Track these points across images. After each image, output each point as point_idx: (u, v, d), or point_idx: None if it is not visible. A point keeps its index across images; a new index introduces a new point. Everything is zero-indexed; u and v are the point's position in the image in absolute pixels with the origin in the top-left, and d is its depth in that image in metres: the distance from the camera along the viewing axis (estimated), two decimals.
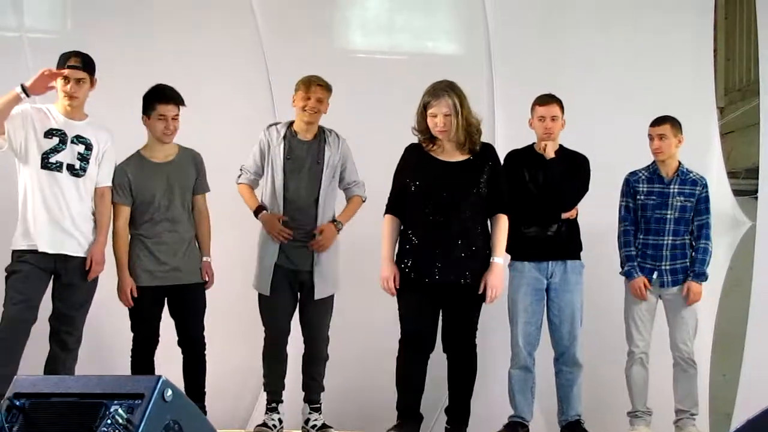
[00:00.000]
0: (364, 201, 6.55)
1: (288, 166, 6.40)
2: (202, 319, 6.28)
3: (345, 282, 6.54)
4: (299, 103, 6.46)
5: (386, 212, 5.87)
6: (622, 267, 6.81)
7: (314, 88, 6.44)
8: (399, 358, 5.73)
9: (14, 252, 5.93)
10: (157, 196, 6.22)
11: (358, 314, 6.63)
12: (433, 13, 7.95)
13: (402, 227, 5.80)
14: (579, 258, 6.66)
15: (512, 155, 6.71)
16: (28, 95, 5.81)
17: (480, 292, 5.70)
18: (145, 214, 6.23)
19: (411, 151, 5.87)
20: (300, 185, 6.41)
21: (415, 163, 5.79)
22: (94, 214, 6.07)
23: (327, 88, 6.48)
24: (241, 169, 6.50)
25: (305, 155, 6.44)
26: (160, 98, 6.22)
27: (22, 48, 6.97)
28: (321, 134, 6.50)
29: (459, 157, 5.77)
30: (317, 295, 6.36)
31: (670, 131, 6.72)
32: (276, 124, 6.55)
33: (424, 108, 5.74)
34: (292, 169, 6.41)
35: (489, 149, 5.88)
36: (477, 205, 5.72)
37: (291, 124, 6.53)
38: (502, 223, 5.84)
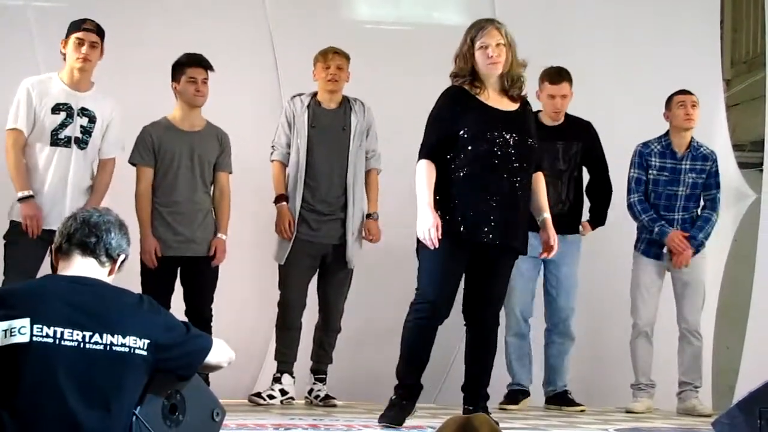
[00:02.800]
0: (379, 173, 6.57)
1: (313, 134, 6.40)
2: (212, 292, 6.29)
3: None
4: (320, 74, 6.50)
5: (423, 157, 5.08)
6: (638, 239, 6.78)
7: (332, 56, 6.49)
8: (412, 325, 5.06)
9: (12, 222, 5.91)
10: (177, 162, 6.23)
11: (366, 287, 6.63)
12: None
13: (449, 182, 5.05)
14: (578, 231, 6.68)
15: None
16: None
17: (543, 251, 5.19)
18: (165, 179, 6.23)
19: (455, 95, 5.11)
20: (326, 154, 6.41)
21: (464, 108, 5.06)
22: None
23: (345, 56, 6.53)
24: (272, 146, 6.51)
25: (330, 123, 6.47)
26: (190, 62, 6.26)
27: (27, 17, 6.94)
28: (346, 102, 6.55)
29: (508, 105, 5.11)
30: (351, 264, 6.43)
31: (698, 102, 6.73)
32: (300, 94, 6.56)
33: (471, 43, 5.05)
34: (318, 137, 6.42)
35: (528, 102, 5.26)
36: (531, 159, 5.12)
37: (314, 95, 6.55)
38: (542, 180, 5.28)
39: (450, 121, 5.08)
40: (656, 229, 6.66)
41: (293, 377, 6.47)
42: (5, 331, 3.24)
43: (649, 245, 6.74)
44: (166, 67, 6.37)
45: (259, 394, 6.40)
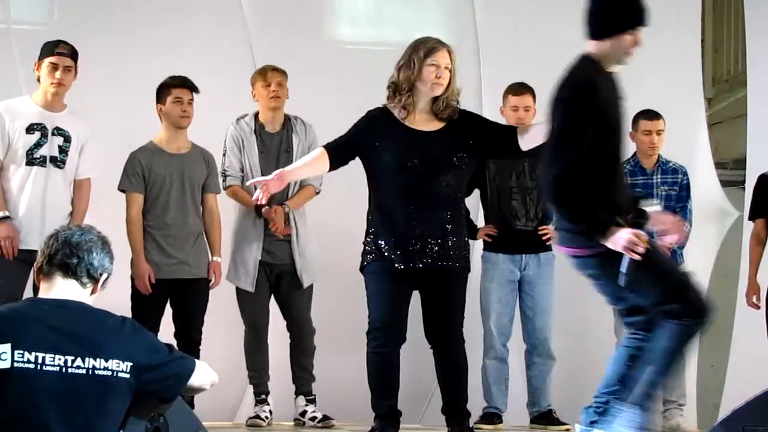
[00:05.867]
0: (317, 193, 6.53)
1: (261, 159, 6.40)
2: (203, 315, 6.30)
3: (328, 272, 6.55)
4: (261, 92, 6.48)
5: (324, 145, 5.25)
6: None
7: (270, 74, 6.48)
8: (371, 355, 5.11)
9: None
10: (168, 186, 6.23)
11: (342, 304, 6.61)
12: (421, 4, 7.95)
13: (374, 205, 5.15)
14: (551, 249, 6.69)
15: None
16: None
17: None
18: (156, 203, 6.23)
19: (379, 116, 5.17)
20: None
21: (385, 129, 5.11)
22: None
23: (283, 73, 6.52)
24: (224, 173, 6.46)
25: (276, 147, 6.45)
26: (176, 83, 6.27)
27: (9, 39, 6.94)
28: (287, 123, 6.53)
29: (434, 125, 5.13)
30: (305, 283, 6.40)
31: (664, 125, 6.75)
32: (243, 117, 6.55)
33: (425, 56, 5.07)
34: (265, 162, 6.40)
35: (464, 112, 5.24)
36: (458, 178, 5.14)
37: (256, 116, 6.54)
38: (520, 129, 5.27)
39: (366, 133, 5.14)
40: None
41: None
42: None
43: None
44: (149, 91, 6.36)
45: (258, 417, 6.37)
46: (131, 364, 3.32)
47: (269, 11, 7.45)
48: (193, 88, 6.29)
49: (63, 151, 5.94)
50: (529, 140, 5.20)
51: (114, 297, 6.19)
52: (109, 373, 3.28)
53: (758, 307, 6.62)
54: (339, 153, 5.15)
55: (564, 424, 6.56)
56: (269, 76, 6.47)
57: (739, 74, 9.18)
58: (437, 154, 5.05)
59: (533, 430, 6.55)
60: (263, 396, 6.44)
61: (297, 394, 6.49)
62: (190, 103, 6.29)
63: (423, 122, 5.12)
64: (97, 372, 3.27)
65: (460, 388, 5.16)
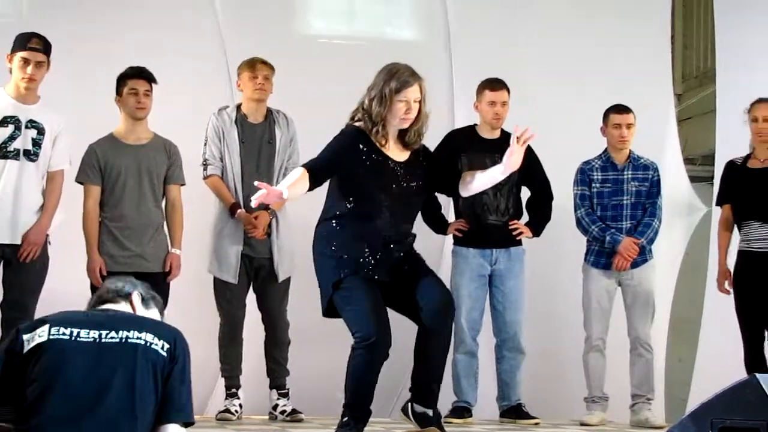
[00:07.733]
0: None
1: (242, 149, 6.40)
2: (163, 310, 6.22)
3: (306, 267, 6.54)
4: (247, 83, 6.49)
5: (305, 166, 5.00)
6: (588, 251, 6.82)
7: (259, 66, 6.49)
8: (358, 364, 4.95)
9: None
10: (124, 177, 6.19)
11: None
12: None
13: (345, 222, 5.08)
14: (521, 243, 6.71)
15: (452, 136, 6.75)
16: None
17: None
18: (112, 195, 6.19)
19: (357, 137, 5.09)
20: (255, 170, 6.41)
21: (365, 154, 5.07)
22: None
23: (271, 67, 6.53)
24: (205, 162, 6.46)
25: (258, 138, 6.45)
26: (132, 74, 6.23)
27: None
28: (270, 115, 6.54)
29: (404, 155, 5.15)
30: (281, 277, 6.42)
31: (634, 120, 6.78)
32: (225, 108, 6.55)
33: (396, 91, 5.01)
34: (247, 153, 6.42)
35: (424, 148, 5.27)
36: (418, 204, 5.30)
37: (238, 107, 6.54)
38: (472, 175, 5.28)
39: (346, 156, 5.05)
40: (608, 238, 6.71)
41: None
42: (28, 340, 3.42)
43: (599, 256, 6.78)
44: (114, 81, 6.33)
45: (228, 410, 6.38)
46: (168, 346, 3.46)
47: (241, 4, 7.44)
48: (150, 78, 6.24)
49: (36, 143, 5.91)
50: (472, 189, 5.27)
51: (73, 294, 6.24)
52: (142, 342, 3.43)
53: (729, 293, 6.65)
54: (319, 174, 5.03)
55: (533, 417, 6.60)
56: (258, 68, 6.48)
57: (709, 70, 9.25)
58: (408, 183, 5.13)
59: (503, 424, 6.58)
60: (234, 390, 6.45)
61: (270, 387, 6.50)
62: (146, 95, 6.23)
63: (395, 151, 5.16)
64: (129, 340, 3.42)
65: (435, 365, 5.08)
